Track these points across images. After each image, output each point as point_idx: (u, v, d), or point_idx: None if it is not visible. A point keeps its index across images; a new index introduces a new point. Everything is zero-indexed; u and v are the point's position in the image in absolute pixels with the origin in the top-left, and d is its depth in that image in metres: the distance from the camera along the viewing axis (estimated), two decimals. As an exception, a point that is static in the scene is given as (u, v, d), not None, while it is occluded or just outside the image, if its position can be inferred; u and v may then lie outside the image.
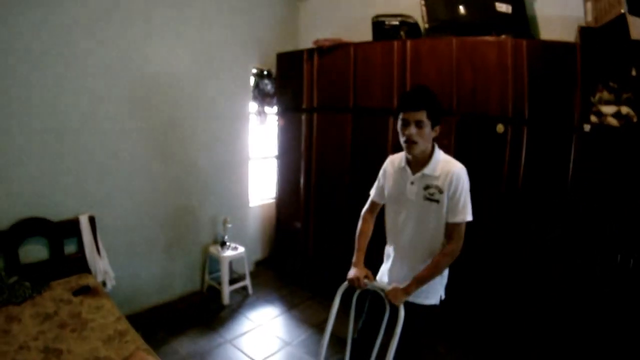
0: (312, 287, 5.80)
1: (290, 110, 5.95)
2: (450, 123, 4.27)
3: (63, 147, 4.20)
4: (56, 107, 4.11)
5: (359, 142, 5.08)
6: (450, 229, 2.77)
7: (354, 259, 3.04)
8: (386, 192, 3.07)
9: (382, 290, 2.81)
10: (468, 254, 3.89)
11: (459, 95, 4.26)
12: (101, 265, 4.38)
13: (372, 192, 3.19)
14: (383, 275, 3.13)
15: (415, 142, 2.70)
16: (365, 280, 2.87)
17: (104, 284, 4.38)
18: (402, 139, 2.76)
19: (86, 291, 3.82)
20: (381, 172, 3.15)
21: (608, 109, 3.47)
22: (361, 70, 5.03)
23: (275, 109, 6.37)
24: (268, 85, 6.30)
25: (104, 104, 4.46)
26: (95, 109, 4.40)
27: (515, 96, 3.95)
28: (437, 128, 2.78)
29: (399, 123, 2.76)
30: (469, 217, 2.76)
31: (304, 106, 5.69)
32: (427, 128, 2.69)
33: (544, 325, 4.01)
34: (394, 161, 3.05)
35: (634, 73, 3.37)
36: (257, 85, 6.24)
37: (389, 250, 3.12)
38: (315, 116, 5.59)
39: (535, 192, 3.96)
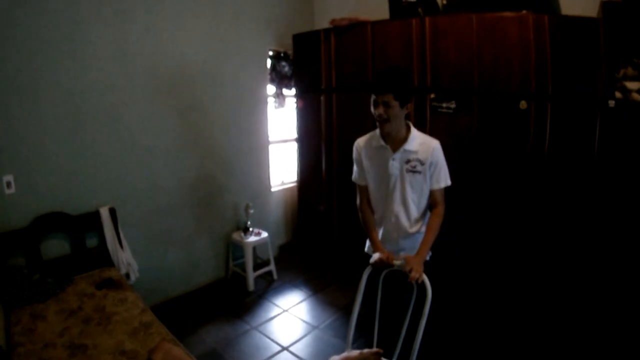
0: (337, 270, 5.76)
1: (308, 92, 5.87)
2: (471, 100, 4.21)
3: (80, 140, 4.17)
4: (71, 99, 4.07)
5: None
6: (437, 194, 3.14)
7: (372, 247, 3.27)
8: (367, 172, 3.28)
9: (401, 267, 2.87)
10: (496, 233, 3.82)
11: (480, 72, 4.16)
12: (124, 258, 4.37)
13: (356, 179, 3.40)
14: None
15: (385, 120, 2.95)
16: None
17: (127, 276, 4.38)
18: (375, 117, 3.00)
19: (109, 284, 3.81)
20: (355, 157, 3.35)
21: (633, 85, 3.40)
22: (379, 49, 4.92)
23: (293, 90, 6.30)
24: (285, 67, 6.24)
25: (120, 94, 4.41)
26: (111, 100, 4.36)
27: (538, 72, 3.85)
28: (409, 105, 3.02)
29: (372, 102, 2.99)
30: (449, 182, 3.14)
31: (322, 87, 5.61)
32: (396, 108, 2.92)
33: (575, 297, 3.94)
34: (368, 142, 3.27)
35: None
36: (274, 67, 6.17)
37: (380, 225, 3.35)
38: (334, 97, 5.51)
39: (561, 169, 3.87)
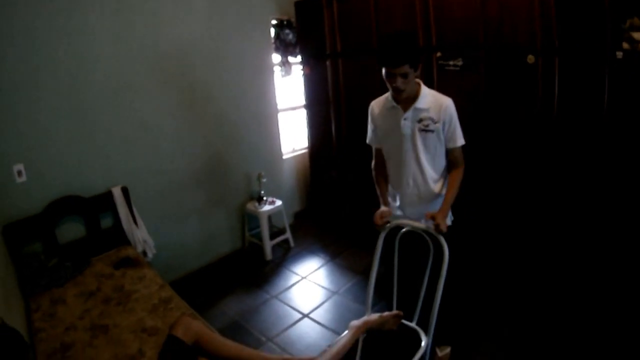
0: (353, 234, 5.77)
1: (314, 58, 5.81)
2: (478, 57, 4.13)
3: (88, 122, 4.15)
4: (75, 84, 4.03)
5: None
6: (456, 153, 3.08)
7: (381, 202, 3.29)
8: (380, 133, 3.27)
9: (421, 228, 2.85)
10: (509, 193, 3.77)
11: (485, 27, 4.05)
12: (139, 235, 4.38)
13: (370, 141, 3.42)
14: (397, 212, 3.32)
15: (403, 90, 2.86)
16: (404, 221, 2.98)
17: (144, 253, 4.40)
18: (389, 86, 2.93)
19: (127, 263, 3.84)
20: (369, 118, 3.34)
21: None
22: (382, 9, 4.82)
23: (298, 58, 6.23)
24: (289, 35, 6.15)
25: (124, 75, 4.37)
26: (116, 82, 4.31)
27: (544, 26, 3.73)
28: (419, 67, 2.91)
29: (383, 71, 2.87)
30: (463, 141, 3.06)
31: (327, 52, 5.53)
32: (411, 75, 2.83)
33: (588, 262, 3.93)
34: (379, 104, 3.24)
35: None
36: (278, 35, 6.09)
37: (394, 188, 3.36)
38: (340, 61, 5.44)
39: (571, 124, 3.80)
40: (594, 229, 3.80)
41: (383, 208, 3.14)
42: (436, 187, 3.16)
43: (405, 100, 3.00)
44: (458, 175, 3.09)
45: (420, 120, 2.97)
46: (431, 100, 2.99)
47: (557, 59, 3.72)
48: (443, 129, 2.97)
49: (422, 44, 4.43)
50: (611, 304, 3.73)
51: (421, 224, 2.87)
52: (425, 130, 2.98)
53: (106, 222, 4.33)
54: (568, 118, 3.78)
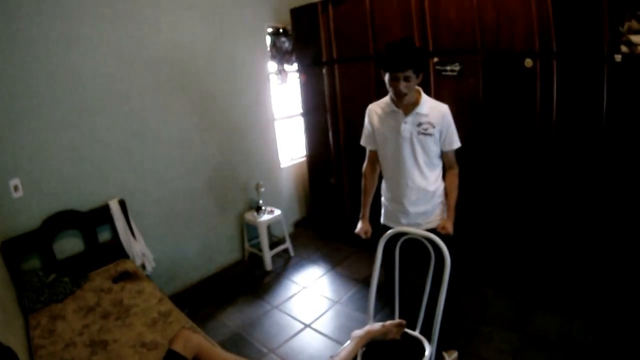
0: (353, 242, 5.71)
1: (310, 65, 5.79)
2: (475, 62, 4.14)
3: (82, 135, 4.11)
4: (72, 95, 4.01)
5: (384, 90, 4.90)
6: (450, 156, 3.24)
7: (360, 215, 3.54)
8: (378, 137, 3.33)
9: (422, 235, 2.79)
10: (509, 196, 3.75)
11: (483, 32, 4.06)
12: (138, 249, 4.35)
13: (365, 143, 3.50)
14: (398, 217, 3.37)
15: (405, 94, 2.97)
16: (404, 228, 2.96)
17: (143, 267, 4.37)
18: (391, 92, 3.05)
19: (126, 277, 3.81)
20: (366, 120, 3.41)
21: (638, 39, 3.31)
22: (378, 15, 4.83)
23: (295, 66, 6.21)
24: (285, 43, 6.16)
25: (120, 85, 4.35)
26: (111, 90, 4.29)
27: (541, 30, 3.74)
28: (421, 74, 3.00)
29: (387, 77, 2.98)
30: (459, 144, 3.22)
31: (323, 59, 5.52)
32: (414, 80, 2.95)
33: (588, 263, 3.94)
34: (380, 107, 3.31)
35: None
36: (274, 44, 6.11)
37: (391, 192, 3.40)
38: (336, 68, 5.43)
39: (570, 127, 3.80)
40: (593, 232, 3.83)
41: (365, 226, 3.47)
42: (434, 186, 3.25)
43: (406, 106, 3.10)
44: (455, 178, 3.27)
45: (419, 125, 3.08)
46: (431, 107, 3.12)
47: (555, 62, 3.74)
48: (440, 134, 3.12)
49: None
50: (611, 309, 3.75)
51: (421, 231, 2.82)
52: (424, 133, 3.08)
53: (104, 236, 4.30)
54: (567, 122, 3.79)
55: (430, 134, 3.08)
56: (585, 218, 3.88)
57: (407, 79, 2.89)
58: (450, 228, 3.09)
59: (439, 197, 3.29)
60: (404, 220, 3.31)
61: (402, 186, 3.25)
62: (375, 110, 3.32)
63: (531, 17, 3.76)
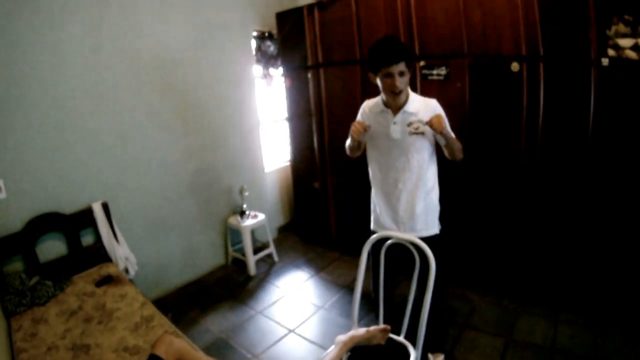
0: (338, 247, 5.76)
1: (295, 70, 5.77)
2: (462, 66, 4.14)
3: (65, 136, 4.08)
4: (56, 97, 3.98)
5: (370, 94, 4.85)
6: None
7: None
8: (370, 136, 3.28)
9: (407, 240, 2.76)
10: (496, 202, 3.77)
11: (469, 36, 4.07)
12: (121, 252, 4.32)
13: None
14: (386, 221, 3.34)
15: (401, 91, 2.99)
16: (389, 233, 2.97)
17: (126, 271, 4.33)
18: (386, 91, 3.04)
19: (108, 281, 3.78)
20: (359, 116, 3.41)
21: (625, 42, 3.32)
22: (365, 19, 4.83)
23: (280, 70, 6.20)
24: (271, 47, 6.16)
25: (103, 86, 4.31)
26: (95, 93, 4.26)
27: (528, 33, 3.75)
28: (410, 70, 3.02)
29: (380, 76, 2.99)
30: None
31: (309, 63, 5.51)
32: (408, 76, 2.98)
33: (573, 265, 3.97)
34: (371, 106, 3.33)
35: (649, 5, 3.19)
36: (259, 47, 6.10)
37: (383, 197, 3.36)
38: (322, 72, 5.42)
39: (557, 131, 3.82)
40: (579, 235, 3.87)
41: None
42: (425, 189, 3.23)
43: (395, 105, 3.09)
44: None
45: (409, 124, 3.05)
46: (419, 104, 3.12)
47: (542, 66, 3.75)
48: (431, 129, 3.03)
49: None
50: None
51: (406, 236, 2.82)
52: (415, 133, 3.06)
53: (87, 239, 4.27)
54: (553, 126, 3.81)
55: (421, 132, 3.06)
56: (570, 222, 3.90)
57: (401, 74, 2.90)
58: (440, 122, 2.91)
59: (434, 200, 3.29)
60: (395, 226, 3.29)
61: (391, 188, 3.25)
62: (368, 108, 3.34)
63: (518, 20, 3.77)
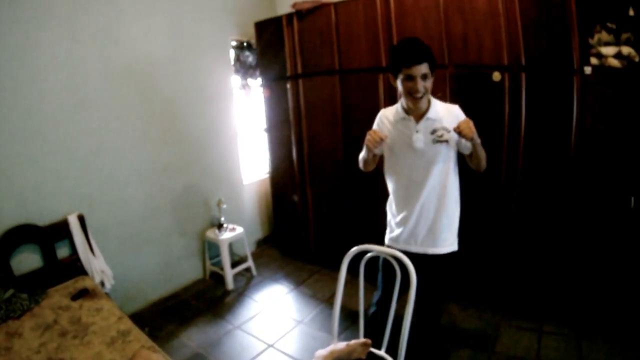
0: (318, 260, 5.73)
1: (274, 80, 5.75)
2: (443, 76, 4.14)
3: (41, 147, 4.02)
4: (26, 104, 3.90)
5: (349, 105, 4.95)
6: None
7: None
8: (388, 147, 3.11)
9: (388, 253, 2.75)
10: (477, 211, 3.78)
11: (450, 46, 4.09)
12: (97, 265, 4.25)
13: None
14: (404, 237, 3.15)
15: (423, 95, 2.82)
16: (369, 246, 2.80)
17: (102, 284, 4.26)
18: (406, 94, 2.85)
19: (84, 294, 3.71)
20: (375, 125, 3.21)
21: (608, 50, 3.35)
22: (344, 30, 4.84)
23: (259, 80, 6.18)
24: (249, 57, 6.14)
25: (77, 96, 4.25)
26: (69, 103, 4.19)
27: (510, 42, 3.78)
28: (434, 75, 2.86)
29: (400, 78, 2.82)
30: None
31: (288, 74, 5.50)
32: (430, 78, 2.81)
33: (556, 276, 3.99)
34: (389, 114, 3.13)
35: (632, 12, 3.22)
36: (237, 58, 6.09)
37: (403, 209, 3.13)
38: (301, 82, 5.41)
39: (539, 142, 3.85)
40: (560, 245, 3.91)
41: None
42: (449, 203, 3.06)
43: (417, 112, 2.95)
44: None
45: (434, 132, 2.83)
46: (442, 110, 2.96)
47: (524, 75, 3.78)
48: (456, 136, 2.86)
49: (384, 64, 4.49)
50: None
51: (387, 249, 2.79)
52: (439, 141, 2.83)
53: (63, 252, 4.19)
54: (536, 136, 3.83)
55: (445, 140, 2.81)
56: (553, 232, 3.93)
57: (424, 77, 2.76)
58: (470, 127, 2.73)
59: (456, 214, 3.14)
60: (413, 241, 3.11)
61: (415, 204, 3.05)
62: (388, 117, 3.13)
63: (499, 29, 3.80)
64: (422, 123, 2.91)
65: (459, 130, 2.73)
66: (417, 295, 2.57)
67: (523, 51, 3.74)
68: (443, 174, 2.98)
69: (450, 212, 3.08)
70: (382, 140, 2.90)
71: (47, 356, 2.89)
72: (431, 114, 2.91)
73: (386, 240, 3.30)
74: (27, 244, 3.94)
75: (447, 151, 2.94)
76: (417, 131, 2.92)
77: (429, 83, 2.81)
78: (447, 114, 2.92)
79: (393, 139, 3.05)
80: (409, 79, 2.77)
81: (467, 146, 2.91)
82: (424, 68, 2.73)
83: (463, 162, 3.08)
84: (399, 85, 2.86)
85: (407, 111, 2.98)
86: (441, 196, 3.01)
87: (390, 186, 3.25)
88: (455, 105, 3.03)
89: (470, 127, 2.72)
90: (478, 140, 2.84)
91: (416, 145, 2.93)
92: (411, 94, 2.81)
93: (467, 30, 3.98)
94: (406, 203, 3.10)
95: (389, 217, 3.30)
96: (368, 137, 2.92)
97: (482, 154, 2.96)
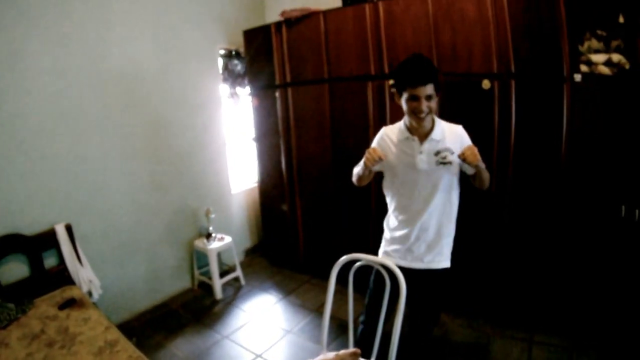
0: (307, 270, 5.72)
1: (263, 89, 5.76)
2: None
3: (28, 157, 4.00)
4: (11, 113, 3.88)
5: (338, 114, 4.95)
6: None
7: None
8: (390, 166, 3.09)
9: (378, 262, 2.77)
10: (467, 220, 3.78)
11: (439, 54, 4.10)
12: (84, 275, 4.23)
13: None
14: (401, 253, 3.12)
15: (428, 114, 2.82)
16: (357, 255, 2.78)
17: (90, 294, 4.23)
18: (410, 113, 2.85)
19: (72, 304, 3.68)
20: (376, 142, 3.17)
21: (598, 58, 3.36)
22: (333, 38, 4.85)
23: (247, 89, 6.18)
24: (238, 66, 6.13)
25: (64, 105, 4.23)
26: (56, 111, 4.17)
27: (499, 50, 3.79)
28: (440, 94, 2.87)
29: (405, 97, 2.82)
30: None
31: (277, 82, 5.49)
32: (435, 99, 2.80)
33: (547, 285, 4.00)
34: (392, 133, 3.10)
35: (622, 20, 3.24)
36: (226, 66, 6.07)
37: (404, 227, 3.09)
38: (289, 91, 5.40)
39: (529, 148, 3.85)
40: (550, 254, 3.92)
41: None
42: (449, 222, 3.07)
43: (421, 132, 2.94)
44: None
45: (437, 153, 2.87)
46: (445, 129, 2.96)
47: (514, 83, 3.78)
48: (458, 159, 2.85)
49: (373, 72, 4.51)
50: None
51: (376, 258, 2.80)
52: (443, 163, 2.86)
53: (50, 262, 4.16)
54: (526, 144, 3.84)
55: (449, 162, 2.86)
56: (543, 241, 3.94)
57: (428, 98, 2.75)
58: (475, 154, 2.73)
59: (453, 231, 3.13)
60: (409, 257, 3.08)
61: (416, 221, 3.02)
62: (389, 136, 3.10)
63: (489, 37, 3.81)
64: (426, 144, 2.90)
65: (463, 157, 2.73)
66: (411, 309, 2.58)
67: (513, 59, 3.75)
68: (445, 194, 2.98)
69: (450, 230, 3.10)
70: (380, 159, 2.87)
71: (34, 367, 2.86)
72: (435, 134, 2.91)
73: (380, 254, 3.28)
74: (14, 254, 3.90)
75: (449, 172, 2.94)
76: (420, 152, 2.91)
77: (433, 103, 2.79)
78: (450, 134, 2.94)
79: (395, 159, 3.04)
80: (414, 98, 2.77)
81: (470, 168, 2.90)
82: (429, 89, 2.72)
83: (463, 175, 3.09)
84: (403, 103, 2.86)
85: (410, 130, 2.97)
86: (442, 215, 3.02)
87: (390, 203, 3.23)
88: (459, 125, 3.03)
89: (475, 154, 2.72)
90: (482, 166, 2.85)
91: (419, 166, 2.92)
92: (415, 113, 2.81)
93: (456, 39, 4.00)
94: (406, 222, 3.08)
95: (386, 232, 3.27)
96: (367, 155, 2.89)
97: (485, 175, 2.96)
